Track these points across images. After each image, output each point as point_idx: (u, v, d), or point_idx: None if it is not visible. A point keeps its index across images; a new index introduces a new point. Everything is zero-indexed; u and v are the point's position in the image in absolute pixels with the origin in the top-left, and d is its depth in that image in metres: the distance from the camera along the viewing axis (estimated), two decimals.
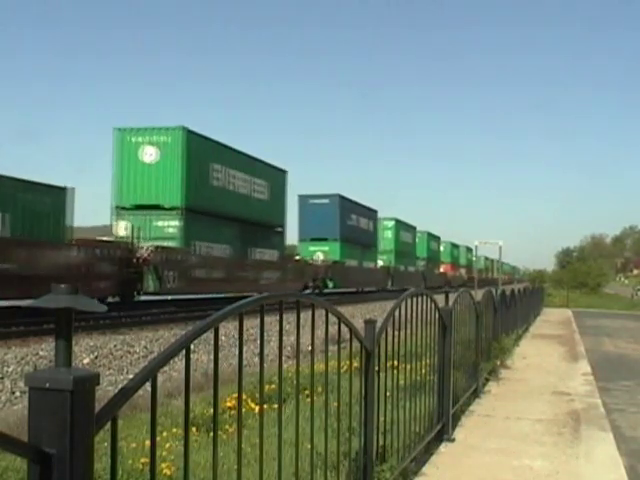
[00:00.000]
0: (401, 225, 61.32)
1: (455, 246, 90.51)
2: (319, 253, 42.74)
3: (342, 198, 45.40)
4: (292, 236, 43.64)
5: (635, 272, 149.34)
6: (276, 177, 35.58)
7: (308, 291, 36.19)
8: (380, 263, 54.93)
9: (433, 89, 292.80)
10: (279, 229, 36.63)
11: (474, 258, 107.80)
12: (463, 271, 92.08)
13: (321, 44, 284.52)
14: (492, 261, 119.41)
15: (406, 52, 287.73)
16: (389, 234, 57.95)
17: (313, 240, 43.37)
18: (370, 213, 52.30)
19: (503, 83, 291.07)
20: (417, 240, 65.31)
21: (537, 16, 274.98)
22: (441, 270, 78.31)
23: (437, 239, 76.69)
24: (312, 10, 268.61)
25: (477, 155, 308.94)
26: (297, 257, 41.13)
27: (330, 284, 40.79)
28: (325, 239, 43.43)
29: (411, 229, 65.59)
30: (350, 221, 46.59)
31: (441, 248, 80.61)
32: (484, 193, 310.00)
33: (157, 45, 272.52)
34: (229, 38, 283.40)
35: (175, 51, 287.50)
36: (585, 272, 71.75)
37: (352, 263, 46.35)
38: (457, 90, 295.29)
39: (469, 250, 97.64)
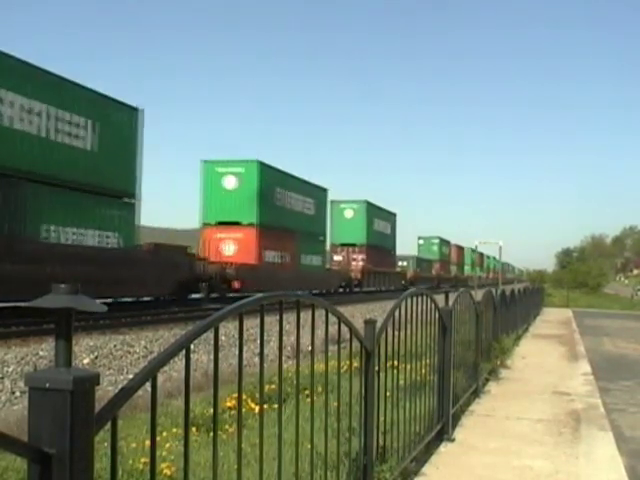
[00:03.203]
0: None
1: (342, 204, 46.98)
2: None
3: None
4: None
5: (635, 272, 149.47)
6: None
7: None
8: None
9: (432, 86, 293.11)
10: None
11: (435, 245, 67.50)
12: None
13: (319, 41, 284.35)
14: (463, 249, 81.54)
15: (406, 49, 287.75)
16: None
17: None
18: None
19: (503, 84, 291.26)
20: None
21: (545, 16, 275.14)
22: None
23: (271, 169, 34.01)
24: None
25: (477, 155, 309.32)
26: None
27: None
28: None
29: (390, 216, 52.08)
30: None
31: (307, 207, 37.91)
32: (484, 193, 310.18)
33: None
34: (227, 35, 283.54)
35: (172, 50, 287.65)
36: (585, 272, 71.84)
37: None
38: (457, 89, 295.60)
39: (390, 215, 54.18)
